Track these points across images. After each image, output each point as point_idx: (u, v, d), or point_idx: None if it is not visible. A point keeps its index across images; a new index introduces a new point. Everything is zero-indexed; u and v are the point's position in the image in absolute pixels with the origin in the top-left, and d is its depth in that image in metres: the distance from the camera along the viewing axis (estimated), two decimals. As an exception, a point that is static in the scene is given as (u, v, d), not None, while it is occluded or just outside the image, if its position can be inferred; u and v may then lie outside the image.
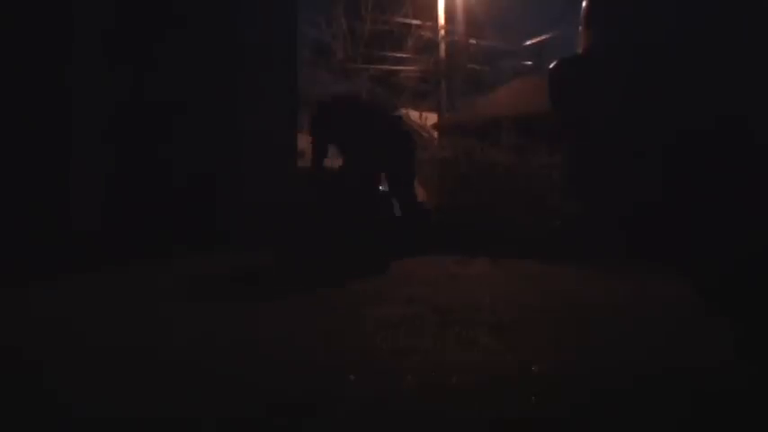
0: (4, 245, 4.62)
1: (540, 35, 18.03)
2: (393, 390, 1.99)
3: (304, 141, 7.29)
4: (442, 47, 18.61)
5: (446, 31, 18.60)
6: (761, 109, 4.06)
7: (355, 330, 2.77)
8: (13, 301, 3.40)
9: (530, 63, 18.43)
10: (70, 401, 1.91)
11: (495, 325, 2.77)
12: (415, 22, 18.66)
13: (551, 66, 5.57)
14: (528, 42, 18.65)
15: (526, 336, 2.64)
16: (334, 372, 2.16)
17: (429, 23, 18.66)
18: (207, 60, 6.22)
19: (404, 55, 18.83)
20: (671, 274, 3.93)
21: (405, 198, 5.83)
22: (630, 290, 3.67)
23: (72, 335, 2.68)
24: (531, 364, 2.22)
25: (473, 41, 19.44)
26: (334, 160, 6.40)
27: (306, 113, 7.82)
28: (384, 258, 4.88)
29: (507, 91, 13.67)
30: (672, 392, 1.99)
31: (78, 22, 5.54)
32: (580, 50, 5.47)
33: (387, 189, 5.99)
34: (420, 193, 6.38)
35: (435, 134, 14.32)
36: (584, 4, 5.48)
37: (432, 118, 16.96)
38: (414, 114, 16.32)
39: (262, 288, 3.88)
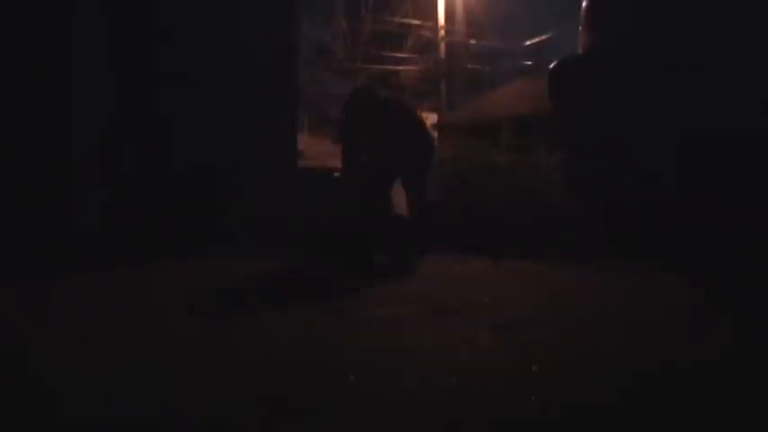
0: (4, 245, 4.62)
1: (540, 35, 18.01)
2: (393, 390, 1.99)
3: (304, 141, 7.27)
4: (442, 47, 18.59)
5: (446, 31, 18.57)
6: (761, 109, 4.05)
7: (355, 330, 2.77)
8: (12, 301, 3.40)
9: (530, 63, 18.40)
10: (70, 402, 1.91)
11: (495, 325, 2.77)
12: (415, 22, 18.63)
13: (551, 66, 5.57)
14: (528, 42, 18.63)
15: (526, 336, 2.64)
16: (335, 372, 2.16)
17: (429, 23, 18.64)
18: (207, 60, 6.22)
19: (404, 55, 18.81)
20: (670, 274, 3.94)
21: (417, 197, 5.62)
22: (630, 290, 3.67)
23: (72, 335, 2.68)
24: (531, 364, 2.22)
25: (473, 41, 19.42)
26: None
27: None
28: (385, 259, 4.88)
29: (507, 91, 13.65)
30: (672, 392, 1.99)
31: (78, 22, 5.54)
32: (580, 50, 5.46)
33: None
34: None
35: (435, 134, 14.32)
36: (584, 4, 5.47)
37: (432, 118, 16.96)
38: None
39: (262, 288, 3.88)
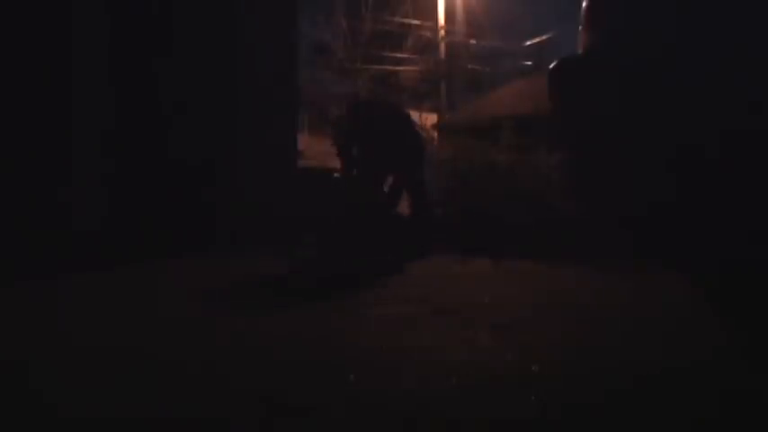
0: (4, 245, 4.62)
1: (540, 35, 18.04)
2: (393, 390, 1.99)
3: (304, 141, 7.26)
4: (442, 47, 18.61)
5: (446, 32, 18.59)
6: (760, 110, 4.05)
7: (355, 330, 2.77)
8: (12, 301, 3.40)
9: (530, 63, 18.41)
10: (70, 402, 1.91)
11: (495, 325, 2.77)
12: (415, 22, 18.65)
13: (552, 65, 5.57)
14: (528, 42, 18.66)
15: (526, 336, 2.64)
16: (335, 371, 2.16)
17: (429, 23, 18.66)
18: (207, 60, 6.22)
19: (404, 55, 18.81)
20: (671, 274, 3.94)
21: (417, 198, 5.75)
22: (630, 290, 3.67)
23: (72, 335, 2.68)
24: (531, 364, 2.22)
25: (473, 42, 19.44)
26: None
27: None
28: (385, 259, 4.88)
29: (507, 91, 13.66)
30: (672, 392, 1.99)
31: (78, 22, 5.54)
32: (580, 50, 5.46)
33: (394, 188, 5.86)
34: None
35: (435, 134, 14.35)
36: (584, 4, 5.47)
37: (432, 118, 16.99)
38: (413, 115, 16.21)
39: (262, 288, 3.88)
